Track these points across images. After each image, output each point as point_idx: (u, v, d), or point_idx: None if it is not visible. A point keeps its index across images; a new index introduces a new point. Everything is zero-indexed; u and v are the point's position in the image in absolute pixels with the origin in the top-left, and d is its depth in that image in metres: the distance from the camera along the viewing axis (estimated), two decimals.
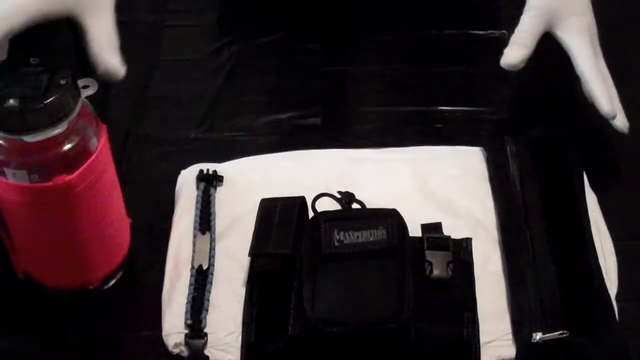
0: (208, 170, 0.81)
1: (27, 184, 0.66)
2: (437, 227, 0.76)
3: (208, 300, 0.72)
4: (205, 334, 0.70)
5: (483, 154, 0.83)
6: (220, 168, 0.81)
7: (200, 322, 0.71)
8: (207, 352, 0.70)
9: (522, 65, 0.83)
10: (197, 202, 0.79)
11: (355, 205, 0.78)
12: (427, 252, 0.72)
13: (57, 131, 0.65)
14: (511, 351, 0.70)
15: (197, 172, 0.81)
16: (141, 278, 0.76)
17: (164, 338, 0.71)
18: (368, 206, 0.78)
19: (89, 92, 0.68)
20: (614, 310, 0.71)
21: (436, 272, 0.71)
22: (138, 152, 0.85)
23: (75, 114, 0.66)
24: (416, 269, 0.71)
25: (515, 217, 0.76)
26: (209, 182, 0.80)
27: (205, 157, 0.83)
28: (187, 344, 0.70)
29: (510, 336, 0.71)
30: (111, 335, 0.73)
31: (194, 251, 0.75)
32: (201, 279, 0.73)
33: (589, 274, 0.73)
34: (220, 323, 0.71)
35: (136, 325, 0.73)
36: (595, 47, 0.84)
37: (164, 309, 0.73)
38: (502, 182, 0.79)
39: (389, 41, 0.97)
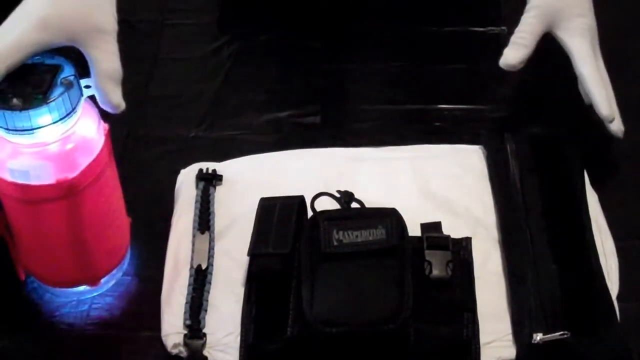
0: (207, 169, 0.81)
1: (29, 183, 0.66)
2: (436, 226, 0.76)
3: (207, 301, 0.72)
4: (204, 335, 0.70)
5: (483, 153, 0.83)
6: (220, 167, 0.81)
7: (199, 322, 0.71)
8: (206, 352, 0.70)
9: (522, 65, 0.82)
10: (196, 201, 0.79)
11: (354, 205, 0.78)
12: (426, 251, 0.72)
13: (59, 130, 0.65)
14: (511, 352, 0.70)
15: (196, 172, 0.81)
16: (141, 278, 0.76)
17: (163, 339, 0.71)
18: (367, 205, 0.78)
19: (91, 91, 0.68)
20: (615, 311, 0.71)
21: (436, 272, 0.71)
22: (138, 151, 0.85)
23: (77, 113, 0.66)
24: (415, 269, 0.71)
25: (516, 216, 0.76)
26: (209, 182, 0.80)
27: (205, 155, 0.83)
28: (186, 344, 0.70)
29: (510, 337, 0.71)
30: (111, 335, 0.73)
31: (193, 251, 0.75)
32: (200, 279, 0.73)
33: (589, 274, 0.72)
34: (219, 323, 0.71)
35: (136, 325, 0.73)
36: (595, 49, 0.84)
37: (163, 308, 0.73)
38: (502, 180, 0.79)
39: (389, 39, 0.97)
